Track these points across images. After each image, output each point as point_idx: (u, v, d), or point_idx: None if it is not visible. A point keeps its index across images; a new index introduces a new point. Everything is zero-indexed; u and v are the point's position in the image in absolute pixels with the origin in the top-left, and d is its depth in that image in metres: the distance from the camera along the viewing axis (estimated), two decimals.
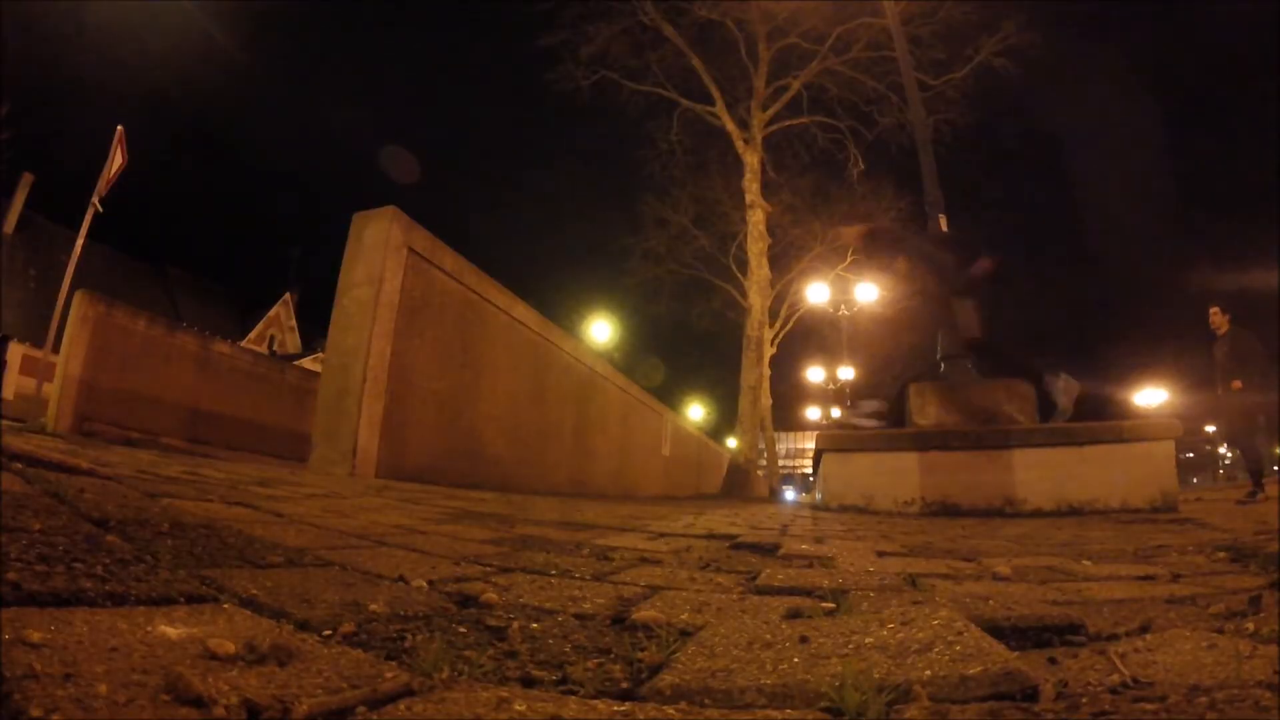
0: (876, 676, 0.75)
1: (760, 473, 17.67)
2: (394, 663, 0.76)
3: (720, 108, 15.04)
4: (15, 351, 15.83)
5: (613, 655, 0.88)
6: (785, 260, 20.18)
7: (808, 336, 24.01)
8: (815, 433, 9.22)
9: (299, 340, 32.63)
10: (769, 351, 17.77)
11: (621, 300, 22.29)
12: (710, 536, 2.52)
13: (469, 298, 5.63)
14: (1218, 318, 7.28)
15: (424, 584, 1.23)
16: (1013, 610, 1.13)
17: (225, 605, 0.89)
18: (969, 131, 15.69)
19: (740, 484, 13.47)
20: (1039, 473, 4.69)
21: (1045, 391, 4.87)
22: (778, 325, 21.24)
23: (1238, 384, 6.95)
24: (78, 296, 6.87)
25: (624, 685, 0.77)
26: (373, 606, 1.01)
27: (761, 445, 17.57)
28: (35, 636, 0.63)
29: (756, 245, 14.42)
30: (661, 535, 2.50)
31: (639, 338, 24.87)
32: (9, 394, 12.85)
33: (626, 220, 20.98)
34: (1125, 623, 1.09)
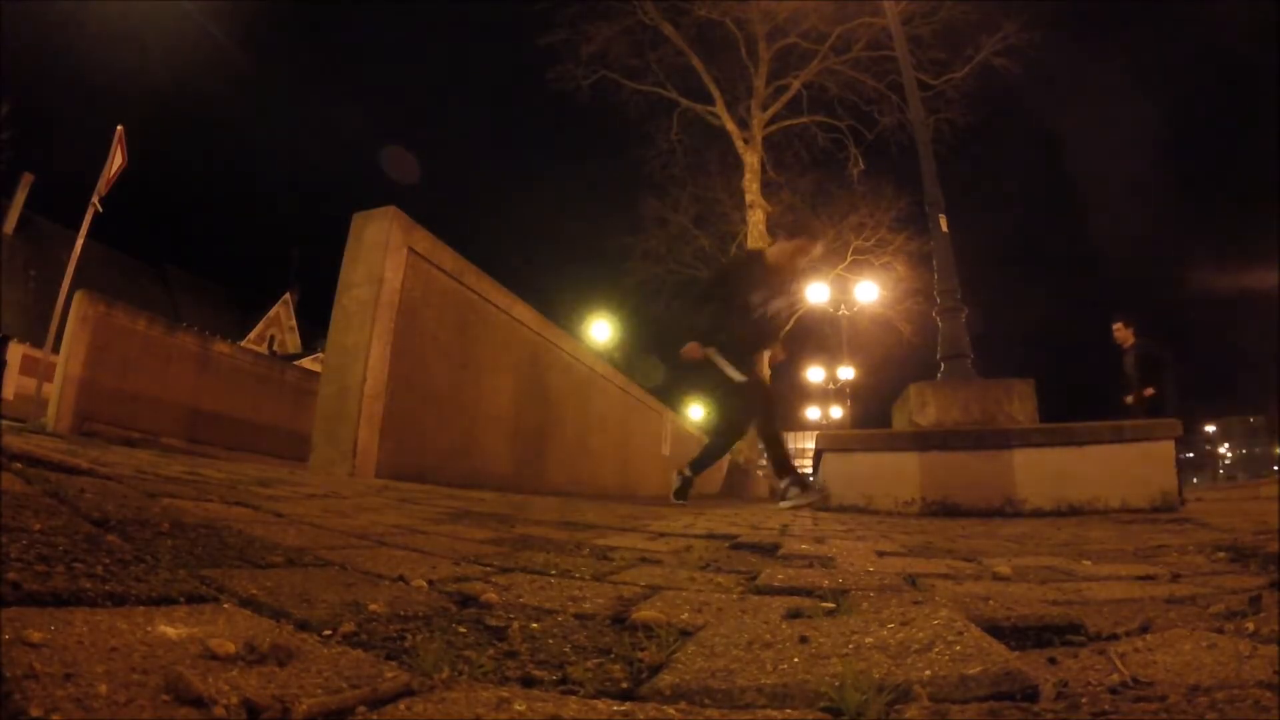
0: (876, 676, 0.75)
1: (760, 473, 17.66)
2: (394, 663, 0.76)
3: (720, 107, 15.06)
4: (15, 351, 15.84)
5: (613, 655, 0.88)
6: None
7: (808, 336, 24.05)
8: (815, 433, 9.25)
9: (299, 340, 32.67)
10: None
11: (621, 300, 22.28)
12: (710, 536, 2.52)
13: (469, 297, 5.63)
14: (1122, 332, 7.94)
15: (424, 584, 1.22)
16: (1013, 610, 1.13)
17: (225, 605, 0.89)
18: (969, 130, 15.71)
19: (740, 484, 13.47)
20: (1039, 472, 4.69)
21: None
22: None
23: (1150, 391, 7.58)
24: (78, 296, 6.87)
25: (624, 685, 0.77)
26: (373, 606, 1.01)
27: (762, 445, 17.52)
28: (35, 636, 0.63)
29: (756, 245, 14.42)
30: (661, 535, 2.50)
31: (639, 338, 24.85)
32: (9, 394, 12.86)
33: (626, 220, 20.97)
34: (1125, 622, 1.08)
